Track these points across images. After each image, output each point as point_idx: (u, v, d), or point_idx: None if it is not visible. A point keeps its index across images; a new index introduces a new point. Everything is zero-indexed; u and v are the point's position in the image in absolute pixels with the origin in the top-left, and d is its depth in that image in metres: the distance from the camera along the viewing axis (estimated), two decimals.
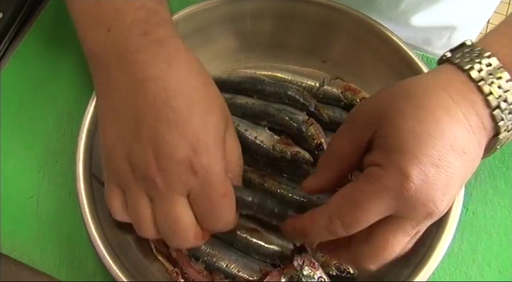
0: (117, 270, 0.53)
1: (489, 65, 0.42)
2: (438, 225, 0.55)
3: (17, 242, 0.64)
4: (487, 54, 0.43)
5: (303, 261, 0.57)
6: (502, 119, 0.42)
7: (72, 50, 0.75)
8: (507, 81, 0.42)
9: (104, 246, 0.55)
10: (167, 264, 0.60)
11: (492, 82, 0.41)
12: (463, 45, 0.45)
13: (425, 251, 0.55)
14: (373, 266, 0.44)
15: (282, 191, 0.61)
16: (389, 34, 0.63)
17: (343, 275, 0.59)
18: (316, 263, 0.57)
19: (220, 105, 0.50)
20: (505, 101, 0.41)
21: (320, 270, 0.57)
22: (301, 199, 0.61)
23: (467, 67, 0.42)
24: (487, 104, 0.41)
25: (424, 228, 0.45)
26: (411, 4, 0.79)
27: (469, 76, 0.42)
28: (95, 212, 0.57)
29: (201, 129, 0.45)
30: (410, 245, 0.46)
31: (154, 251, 0.60)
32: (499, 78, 0.42)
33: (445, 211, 0.44)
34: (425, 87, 0.43)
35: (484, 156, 0.45)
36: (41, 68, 0.75)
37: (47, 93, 0.72)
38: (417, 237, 0.46)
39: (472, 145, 0.42)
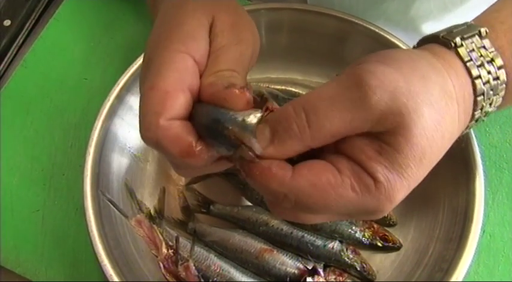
0: None
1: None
2: (456, 249, 0.54)
3: (21, 257, 0.63)
4: None
5: None
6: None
7: (81, 60, 0.74)
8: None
9: (111, 265, 0.54)
10: None
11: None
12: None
13: (443, 275, 0.54)
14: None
15: None
16: (404, 47, 0.62)
17: None
18: None
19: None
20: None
21: None
22: None
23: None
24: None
25: None
26: (421, 11, 0.77)
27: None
28: (102, 230, 0.55)
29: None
30: None
31: (162, 270, 0.59)
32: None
33: None
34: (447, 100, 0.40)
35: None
36: (48, 78, 0.73)
37: (54, 104, 0.71)
38: None
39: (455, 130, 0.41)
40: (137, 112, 0.40)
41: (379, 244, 0.60)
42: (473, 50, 0.42)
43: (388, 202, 0.38)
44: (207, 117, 0.38)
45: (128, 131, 0.62)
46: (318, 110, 0.36)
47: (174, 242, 0.59)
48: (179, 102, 0.38)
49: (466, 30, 0.44)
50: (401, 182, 0.37)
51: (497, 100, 0.44)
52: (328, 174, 0.37)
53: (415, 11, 0.77)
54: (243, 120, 0.37)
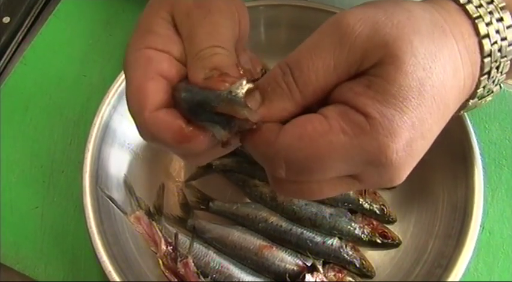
0: None
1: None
2: (455, 246, 0.54)
3: (20, 254, 0.62)
4: None
5: (315, 281, 0.56)
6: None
7: (81, 57, 0.74)
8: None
9: (110, 261, 0.54)
10: (174, 281, 0.58)
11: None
12: None
13: (442, 272, 0.54)
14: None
15: (293, 207, 0.60)
16: None
17: None
18: None
19: None
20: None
21: None
22: (314, 216, 0.60)
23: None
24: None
25: None
26: None
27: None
28: (101, 227, 0.55)
29: None
30: None
31: (161, 266, 0.59)
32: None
33: None
34: (439, 32, 0.36)
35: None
36: (47, 75, 0.73)
37: (53, 101, 0.71)
38: None
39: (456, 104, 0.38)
40: None
41: (379, 241, 0.60)
42: (481, 5, 0.38)
43: (390, 141, 0.33)
44: (191, 101, 0.37)
45: (127, 127, 0.62)
46: (301, 63, 0.35)
47: (173, 238, 0.59)
48: (151, 91, 0.37)
49: None
50: (401, 117, 0.33)
51: (506, 65, 0.39)
52: (313, 123, 0.34)
53: None
54: (230, 93, 0.35)
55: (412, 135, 0.33)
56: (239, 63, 0.39)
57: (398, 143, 0.33)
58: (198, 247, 0.60)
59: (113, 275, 0.53)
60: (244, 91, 0.35)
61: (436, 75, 0.34)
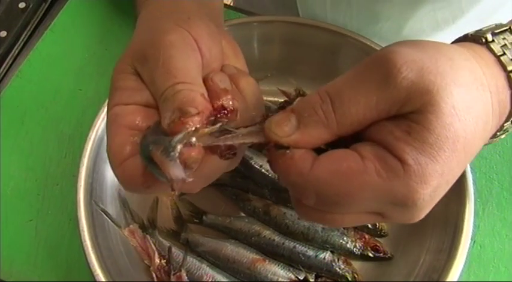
0: None
1: None
2: (446, 260, 0.55)
3: (14, 267, 0.62)
4: None
5: None
6: None
7: (76, 71, 0.75)
8: None
9: (103, 275, 0.54)
10: None
11: None
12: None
13: None
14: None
15: (286, 221, 0.61)
16: None
17: None
18: None
19: None
20: None
21: None
22: (306, 230, 0.60)
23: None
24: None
25: None
26: (414, 30, 0.78)
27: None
28: (95, 240, 0.56)
29: None
30: None
31: (155, 280, 0.59)
32: None
33: None
34: (474, 84, 0.37)
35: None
36: (43, 89, 0.74)
37: (49, 115, 0.71)
38: None
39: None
40: None
41: (370, 254, 0.60)
42: (505, 45, 0.40)
43: (420, 188, 0.34)
44: (141, 146, 0.38)
45: None
46: (343, 94, 0.35)
47: (167, 252, 0.60)
48: (118, 146, 0.39)
49: (496, 27, 0.42)
50: (433, 166, 0.34)
51: None
52: (349, 161, 0.34)
53: (408, 31, 0.78)
54: (169, 143, 0.35)
55: (439, 183, 0.35)
56: (215, 85, 0.39)
57: (426, 189, 0.34)
58: (192, 260, 0.60)
59: None
60: (179, 144, 0.35)
61: (469, 127, 0.35)
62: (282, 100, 0.67)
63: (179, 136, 0.35)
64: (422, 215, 0.37)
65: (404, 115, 0.35)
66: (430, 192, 0.35)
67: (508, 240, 0.63)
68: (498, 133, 0.42)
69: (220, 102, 0.38)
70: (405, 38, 0.79)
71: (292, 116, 0.36)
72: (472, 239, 0.58)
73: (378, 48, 0.63)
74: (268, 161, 0.38)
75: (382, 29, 0.78)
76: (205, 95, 0.38)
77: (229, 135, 0.37)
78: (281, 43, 0.68)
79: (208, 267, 0.60)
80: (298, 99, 0.38)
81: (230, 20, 0.66)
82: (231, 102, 0.39)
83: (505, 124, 0.41)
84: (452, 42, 0.44)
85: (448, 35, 0.78)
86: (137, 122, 0.40)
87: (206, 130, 0.36)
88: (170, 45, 0.39)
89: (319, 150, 0.36)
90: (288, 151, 0.35)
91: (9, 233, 0.64)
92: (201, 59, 0.41)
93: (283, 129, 0.36)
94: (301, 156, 0.35)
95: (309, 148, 0.36)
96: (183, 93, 0.37)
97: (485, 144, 0.42)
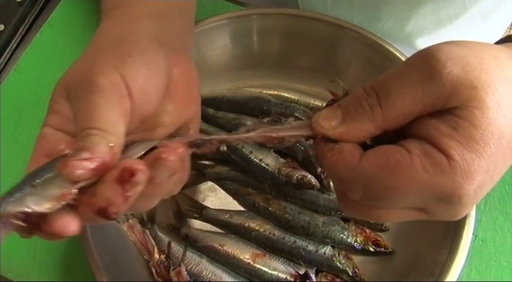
0: None
1: None
2: (448, 254, 0.54)
3: (13, 262, 0.62)
4: None
5: None
6: None
7: None
8: None
9: (103, 270, 0.54)
10: None
11: None
12: None
13: (435, 280, 0.54)
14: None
15: (286, 215, 0.60)
16: (398, 54, 0.62)
17: None
18: None
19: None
20: None
21: None
22: (307, 224, 0.60)
23: None
24: None
25: None
26: (417, 27, 0.78)
27: None
28: (94, 235, 0.55)
29: None
30: None
31: (154, 275, 0.59)
32: None
33: None
34: None
35: None
36: (41, 82, 0.73)
37: (47, 109, 0.71)
38: None
39: None
40: None
41: (371, 249, 0.60)
42: None
43: (465, 183, 0.34)
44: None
45: None
46: (389, 88, 0.35)
47: (166, 247, 0.59)
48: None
49: None
50: (479, 162, 0.34)
51: None
52: (396, 155, 0.35)
53: (410, 28, 0.77)
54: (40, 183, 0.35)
55: (484, 179, 0.35)
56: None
57: (471, 185, 0.34)
58: (191, 255, 0.60)
59: None
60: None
61: None
62: (284, 101, 0.67)
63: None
64: (465, 212, 0.38)
65: (449, 110, 0.35)
66: (475, 188, 0.35)
67: (510, 234, 0.63)
68: None
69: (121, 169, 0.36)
70: (408, 35, 0.78)
71: (338, 110, 0.37)
72: (473, 234, 0.58)
73: (378, 40, 0.63)
74: (316, 156, 0.38)
75: (384, 27, 0.77)
76: (117, 146, 0.37)
77: (279, 127, 0.38)
78: (281, 36, 0.67)
79: (208, 262, 0.60)
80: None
81: (229, 12, 0.66)
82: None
83: None
84: (496, 43, 0.43)
85: (450, 32, 0.78)
86: (59, 150, 0.40)
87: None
88: (98, 91, 0.39)
89: (364, 147, 0.37)
90: (336, 145, 0.36)
91: None
92: (130, 105, 0.40)
93: (330, 122, 0.37)
94: (349, 150, 0.36)
95: (355, 141, 0.37)
96: (92, 139, 0.37)
97: None
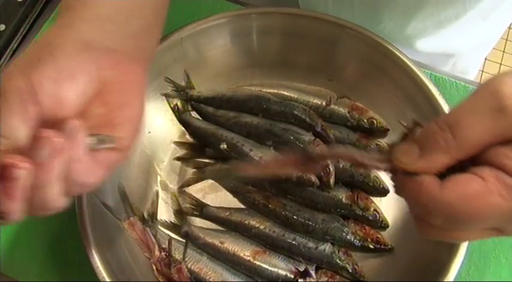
0: None
1: None
2: (447, 251, 0.54)
3: (14, 261, 0.63)
4: None
5: None
6: None
7: None
8: None
9: (104, 267, 0.54)
10: None
11: None
12: None
13: (434, 277, 0.54)
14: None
15: (286, 213, 0.61)
16: (397, 52, 0.63)
17: None
18: None
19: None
20: None
21: None
22: (306, 221, 0.60)
23: None
24: None
25: None
26: (417, 29, 0.78)
27: None
28: (95, 233, 0.55)
29: None
30: None
31: (155, 272, 0.59)
32: None
33: None
34: None
35: None
36: None
37: None
38: None
39: None
40: None
41: (371, 246, 0.60)
42: None
43: None
44: None
45: None
46: (461, 121, 0.38)
47: (167, 244, 0.60)
48: None
49: None
50: None
51: None
52: (473, 185, 0.37)
53: (411, 30, 0.78)
54: None
55: None
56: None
57: None
58: (192, 253, 0.60)
59: (107, 280, 0.53)
60: None
61: None
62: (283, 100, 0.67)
63: None
64: None
65: None
66: None
67: None
68: None
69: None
70: (408, 36, 0.79)
71: (415, 145, 0.40)
72: None
73: (377, 39, 0.63)
74: (395, 186, 0.41)
75: (385, 29, 0.77)
76: (11, 150, 0.38)
77: (365, 154, 0.41)
78: (280, 35, 0.67)
79: (208, 260, 0.60)
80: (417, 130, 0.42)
81: (229, 11, 0.66)
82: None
83: None
84: None
85: (450, 32, 0.78)
86: None
87: None
88: (2, 95, 0.40)
89: (439, 174, 0.39)
90: (417, 177, 0.39)
91: (10, 227, 0.64)
92: (36, 109, 0.40)
93: (409, 157, 0.40)
94: (430, 182, 0.39)
95: (432, 172, 0.39)
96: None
97: None
